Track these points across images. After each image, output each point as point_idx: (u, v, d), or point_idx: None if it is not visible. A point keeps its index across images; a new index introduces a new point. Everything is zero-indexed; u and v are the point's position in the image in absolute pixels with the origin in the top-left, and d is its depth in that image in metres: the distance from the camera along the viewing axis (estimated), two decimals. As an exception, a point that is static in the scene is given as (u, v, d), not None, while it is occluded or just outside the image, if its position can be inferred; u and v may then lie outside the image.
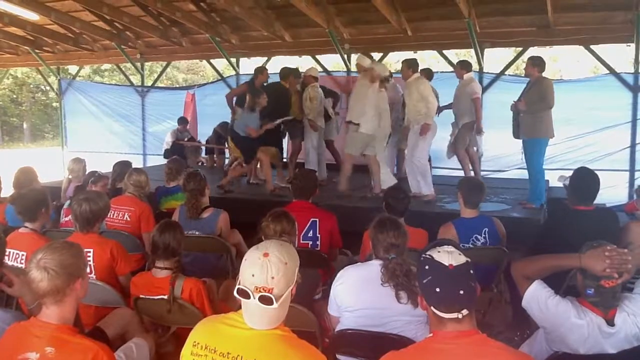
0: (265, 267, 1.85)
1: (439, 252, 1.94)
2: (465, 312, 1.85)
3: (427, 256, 1.95)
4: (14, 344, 2.09)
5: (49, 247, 2.19)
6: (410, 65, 6.91)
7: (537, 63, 6.12)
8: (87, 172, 5.64)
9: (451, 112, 7.73)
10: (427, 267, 1.93)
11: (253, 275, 1.85)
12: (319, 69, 10.38)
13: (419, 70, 7.03)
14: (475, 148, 7.75)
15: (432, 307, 1.90)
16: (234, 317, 1.95)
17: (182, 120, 10.69)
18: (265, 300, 1.83)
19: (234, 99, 8.21)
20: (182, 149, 10.13)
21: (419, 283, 1.99)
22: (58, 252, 2.15)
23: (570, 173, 3.89)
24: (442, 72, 9.38)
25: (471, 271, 1.91)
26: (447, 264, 1.88)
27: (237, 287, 1.89)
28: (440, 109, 7.83)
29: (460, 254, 1.93)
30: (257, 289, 1.84)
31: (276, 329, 1.89)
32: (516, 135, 6.27)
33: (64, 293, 2.13)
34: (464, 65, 7.64)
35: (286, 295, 1.88)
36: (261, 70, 8.06)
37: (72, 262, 2.17)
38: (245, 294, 1.86)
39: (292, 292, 1.94)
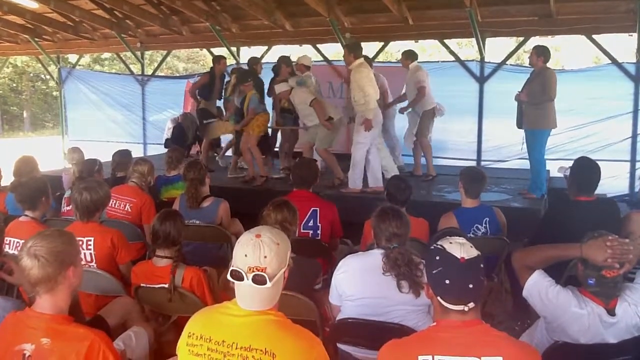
0: (257, 247, 1.88)
1: (450, 243, 1.92)
2: (471, 305, 1.85)
3: (439, 246, 1.93)
4: (10, 335, 2.07)
5: (40, 235, 2.15)
6: (351, 50, 6.45)
7: (541, 53, 6.07)
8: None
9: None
10: (437, 258, 1.92)
11: (246, 256, 1.88)
12: (320, 58, 10.35)
13: (362, 56, 6.55)
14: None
15: (438, 297, 1.90)
16: (228, 306, 1.95)
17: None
18: (259, 279, 1.84)
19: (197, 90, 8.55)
20: (183, 135, 10.07)
21: (427, 272, 1.99)
22: (48, 240, 2.11)
23: (570, 163, 3.87)
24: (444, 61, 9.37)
25: (481, 265, 1.90)
26: (458, 257, 1.87)
27: (230, 269, 1.90)
28: (390, 104, 7.96)
29: (471, 247, 1.92)
30: (250, 269, 1.86)
31: (270, 314, 1.90)
32: (519, 125, 6.25)
33: (55, 281, 2.09)
34: (408, 55, 7.68)
35: (279, 276, 1.89)
36: (218, 60, 8.42)
37: (62, 250, 2.12)
38: (238, 275, 1.87)
39: (285, 275, 1.94)
